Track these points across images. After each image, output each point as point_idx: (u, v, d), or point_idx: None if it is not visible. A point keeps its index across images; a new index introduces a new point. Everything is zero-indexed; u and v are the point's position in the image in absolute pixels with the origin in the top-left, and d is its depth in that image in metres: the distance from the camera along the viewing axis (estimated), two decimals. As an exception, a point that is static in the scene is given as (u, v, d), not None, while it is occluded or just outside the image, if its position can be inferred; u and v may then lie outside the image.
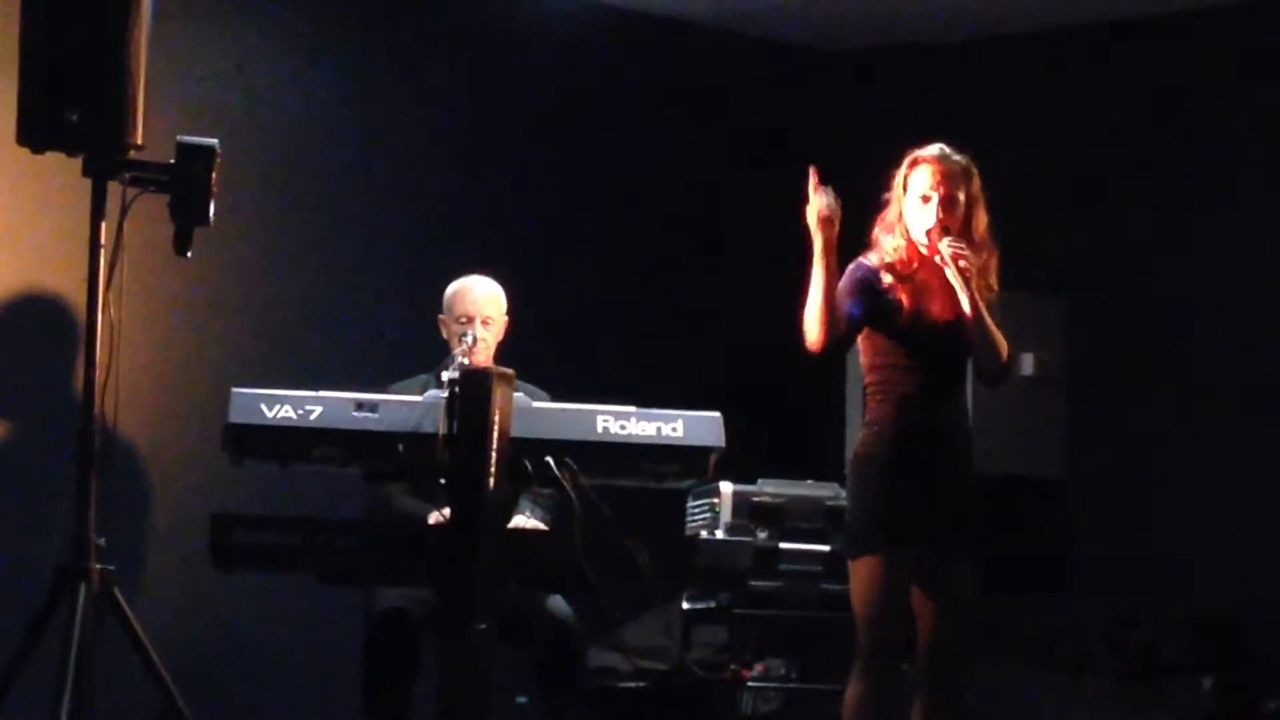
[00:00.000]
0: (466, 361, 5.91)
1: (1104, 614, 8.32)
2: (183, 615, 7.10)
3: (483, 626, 5.18)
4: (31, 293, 7.13)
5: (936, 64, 9.22)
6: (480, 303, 6.42)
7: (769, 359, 8.46)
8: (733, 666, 7.30)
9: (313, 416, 5.19)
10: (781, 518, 7.09)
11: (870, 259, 5.59)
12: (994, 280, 5.66)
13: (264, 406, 5.17)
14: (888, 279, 5.54)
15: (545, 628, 6.09)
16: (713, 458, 5.51)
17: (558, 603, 6.14)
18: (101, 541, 5.26)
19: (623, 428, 5.40)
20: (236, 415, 5.17)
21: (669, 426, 5.43)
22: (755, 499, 7.11)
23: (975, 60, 9.20)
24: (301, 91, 7.88)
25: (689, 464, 5.51)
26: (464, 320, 6.38)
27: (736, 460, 5.73)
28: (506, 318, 6.46)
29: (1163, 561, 8.41)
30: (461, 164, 8.25)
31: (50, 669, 5.10)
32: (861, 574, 5.50)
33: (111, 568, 5.27)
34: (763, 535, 7.06)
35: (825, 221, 5.43)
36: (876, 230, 5.65)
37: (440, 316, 6.48)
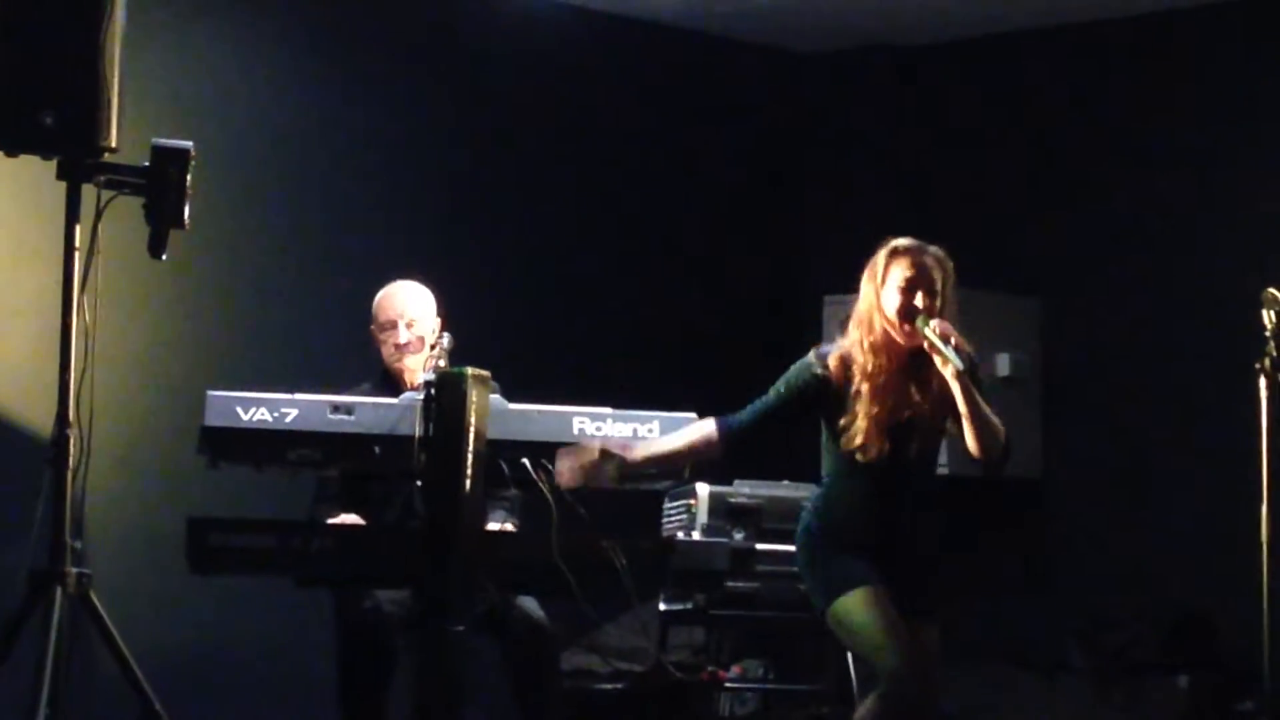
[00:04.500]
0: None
1: (1080, 614, 8.34)
2: (159, 618, 7.08)
3: (459, 628, 5.18)
4: (5, 295, 7.11)
5: (912, 66, 9.24)
6: (403, 304, 6.31)
7: (744, 359, 8.48)
8: (710, 668, 7.29)
9: (288, 419, 5.20)
10: (758, 519, 7.08)
11: (830, 359, 5.48)
12: (978, 372, 5.59)
13: (239, 409, 5.18)
14: (862, 389, 5.41)
15: (519, 629, 6.08)
16: (689, 458, 5.52)
17: (531, 604, 6.14)
18: (78, 545, 5.25)
19: (599, 429, 5.42)
20: (212, 418, 5.18)
21: (645, 427, 5.45)
22: (732, 500, 7.10)
23: (950, 62, 9.22)
24: (276, 95, 7.87)
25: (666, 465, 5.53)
26: (389, 325, 6.33)
27: (713, 461, 5.73)
28: (439, 320, 6.34)
29: (1138, 561, 8.43)
30: (436, 168, 8.24)
31: (27, 673, 5.09)
32: (849, 611, 5.37)
33: (88, 571, 5.26)
34: (739, 536, 7.04)
35: (587, 476, 5.41)
36: (851, 323, 5.53)
37: (370, 327, 6.42)
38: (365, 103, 8.10)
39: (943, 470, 7.90)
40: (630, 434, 5.45)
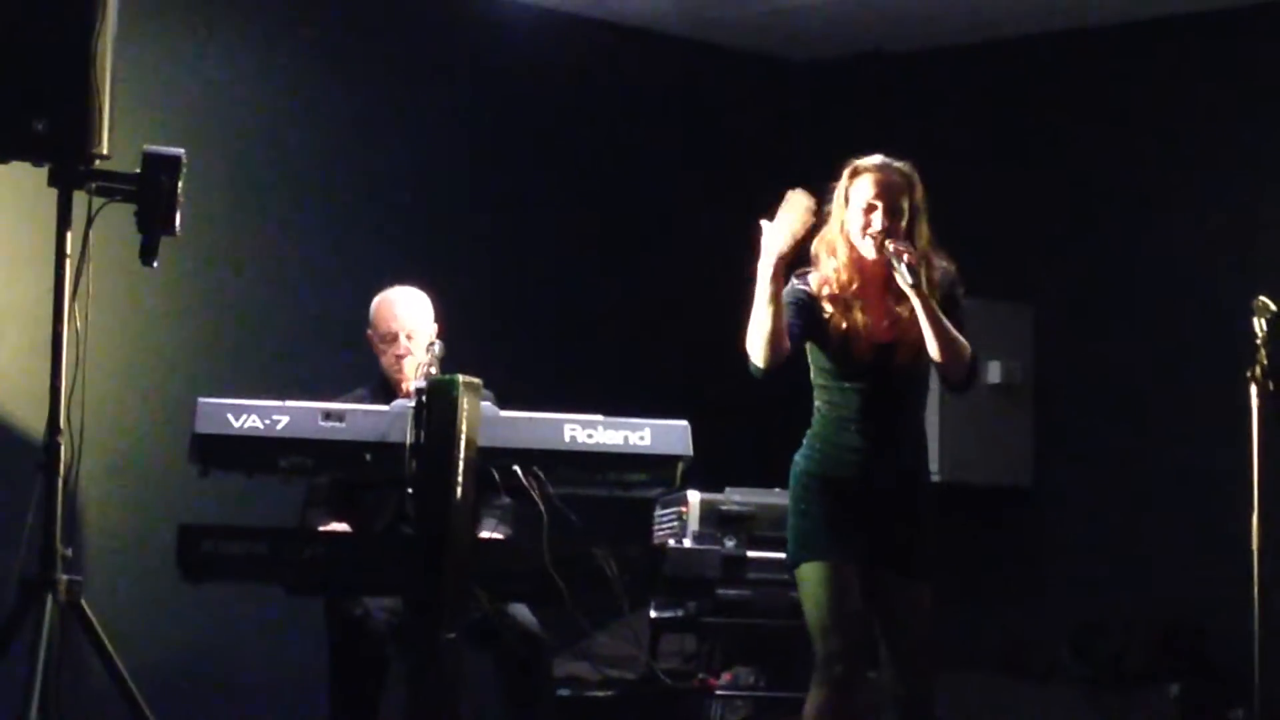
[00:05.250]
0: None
1: (1072, 622, 8.34)
2: (150, 626, 7.08)
3: (451, 636, 5.18)
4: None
5: (901, 73, 9.24)
6: (403, 319, 6.31)
7: (735, 366, 8.47)
8: (701, 675, 7.30)
9: (279, 426, 5.20)
10: (749, 526, 7.09)
11: (810, 280, 5.50)
12: (959, 291, 5.59)
13: (230, 416, 5.18)
14: (827, 308, 5.44)
15: (511, 637, 6.08)
16: (680, 466, 5.52)
17: (523, 612, 6.14)
18: (69, 552, 5.24)
19: (590, 436, 5.42)
20: (203, 425, 5.17)
21: (636, 435, 5.45)
22: (723, 507, 7.11)
23: (940, 69, 9.22)
24: (268, 102, 7.87)
25: (657, 472, 5.53)
26: (390, 337, 6.33)
27: (704, 468, 5.73)
28: (435, 325, 6.33)
29: (1130, 569, 8.43)
30: (430, 175, 8.24)
31: (17, 681, 5.08)
32: (808, 581, 5.40)
33: (79, 578, 5.25)
34: (730, 544, 7.05)
35: (780, 251, 5.33)
36: (816, 247, 5.52)
37: (368, 332, 6.43)
38: (358, 110, 8.10)
39: (936, 478, 7.97)
40: (622, 441, 5.45)
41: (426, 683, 5.25)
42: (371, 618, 6.02)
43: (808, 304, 5.48)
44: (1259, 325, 6.23)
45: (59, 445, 5.26)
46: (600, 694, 7.45)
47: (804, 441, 5.57)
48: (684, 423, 5.53)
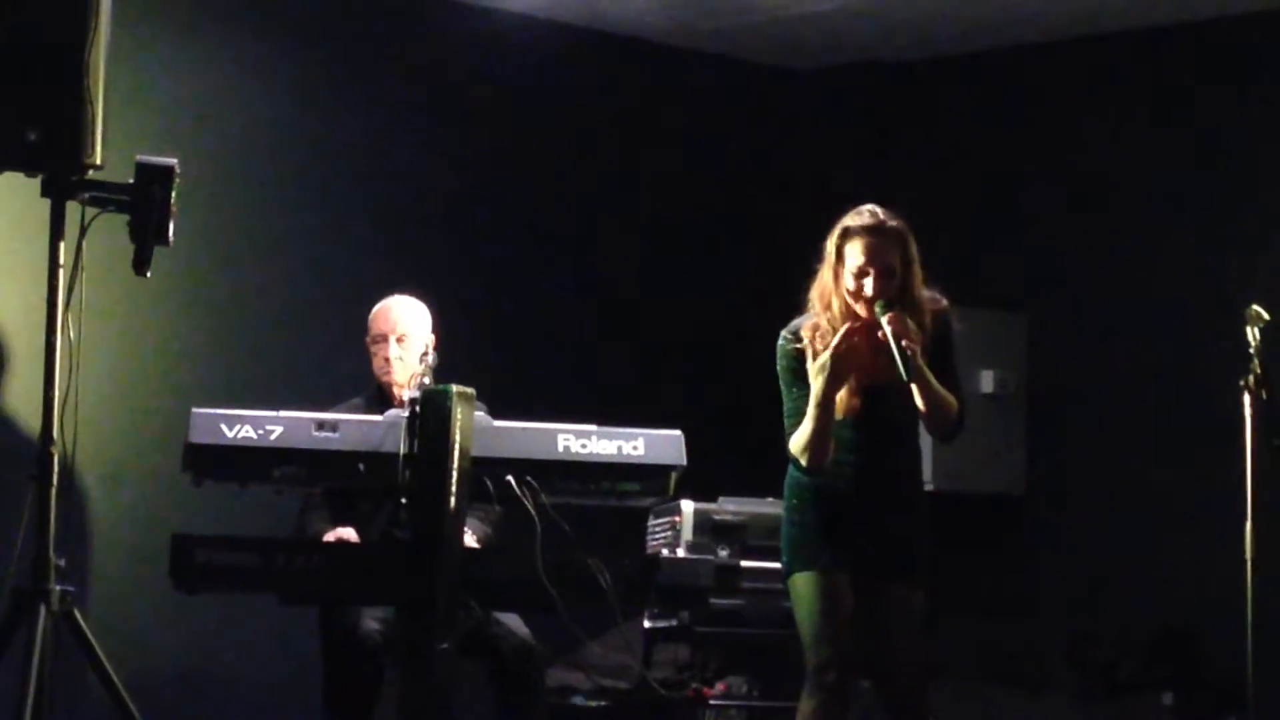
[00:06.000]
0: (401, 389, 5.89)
1: (1065, 632, 8.34)
2: (144, 636, 7.07)
3: (444, 646, 5.18)
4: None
5: (899, 82, 9.25)
6: (394, 321, 6.34)
7: (734, 377, 8.48)
8: (695, 685, 7.29)
9: (273, 436, 5.20)
10: (743, 535, 7.09)
11: (802, 333, 5.51)
12: (952, 331, 5.62)
13: (224, 426, 5.18)
14: (810, 364, 5.45)
15: (505, 647, 6.08)
16: (674, 476, 5.53)
17: (516, 622, 6.13)
18: (61, 562, 5.23)
19: (584, 446, 5.42)
20: (197, 435, 5.18)
21: (630, 445, 5.45)
22: (716, 517, 7.11)
23: (936, 79, 9.23)
24: (262, 111, 7.86)
25: (650, 482, 5.54)
26: (380, 338, 6.33)
27: (697, 478, 5.73)
28: (433, 335, 6.34)
29: (1123, 578, 8.43)
30: (424, 184, 8.24)
31: (9, 691, 5.08)
32: (800, 591, 5.45)
33: (71, 589, 5.24)
34: (724, 553, 7.06)
35: (836, 378, 5.35)
36: (811, 295, 5.55)
37: (365, 338, 6.43)
38: (353, 119, 8.09)
39: (929, 487, 7.97)
40: (615, 451, 5.45)
41: (419, 693, 5.25)
42: (365, 628, 6.02)
43: (800, 359, 5.49)
44: (1252, 334, 6.24)
45: (52, 455, 5.26)
46: (593, 704, 7.45)
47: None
48: (677, 433, 5.54)
